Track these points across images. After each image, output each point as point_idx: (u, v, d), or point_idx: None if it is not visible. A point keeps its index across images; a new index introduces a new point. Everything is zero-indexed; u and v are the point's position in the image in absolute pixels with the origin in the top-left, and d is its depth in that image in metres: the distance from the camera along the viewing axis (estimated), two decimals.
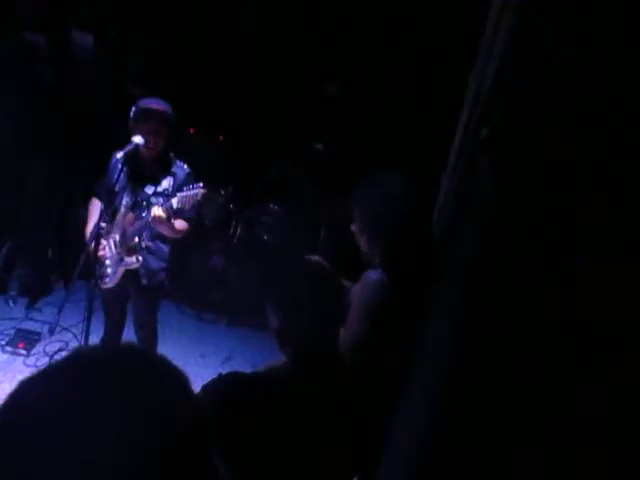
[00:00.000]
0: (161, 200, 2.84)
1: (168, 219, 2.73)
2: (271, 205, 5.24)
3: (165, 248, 3.11)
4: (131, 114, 2.86)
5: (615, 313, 1.12)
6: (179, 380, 0.72)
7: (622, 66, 1.17)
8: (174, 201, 2.69)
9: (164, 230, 2.87)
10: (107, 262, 3.00)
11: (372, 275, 1.93)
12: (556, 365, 1.19)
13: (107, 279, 3.01)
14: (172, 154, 3.04)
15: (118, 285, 3.02)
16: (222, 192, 5.20)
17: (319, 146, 5.45)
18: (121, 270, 2.97)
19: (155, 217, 2.70)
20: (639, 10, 1.12)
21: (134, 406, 0.65)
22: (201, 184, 2.72)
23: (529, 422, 1.20)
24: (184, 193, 2.69)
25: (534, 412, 1.20)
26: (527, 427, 1.20)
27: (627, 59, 1.16)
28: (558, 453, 1.15)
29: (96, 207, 3.02)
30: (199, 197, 2.70)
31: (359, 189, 2.03)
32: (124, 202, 2.97)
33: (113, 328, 3.27)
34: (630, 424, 1.05)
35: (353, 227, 2.05)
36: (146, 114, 2.83)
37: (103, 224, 2.90)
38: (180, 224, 2.93)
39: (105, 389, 0.65)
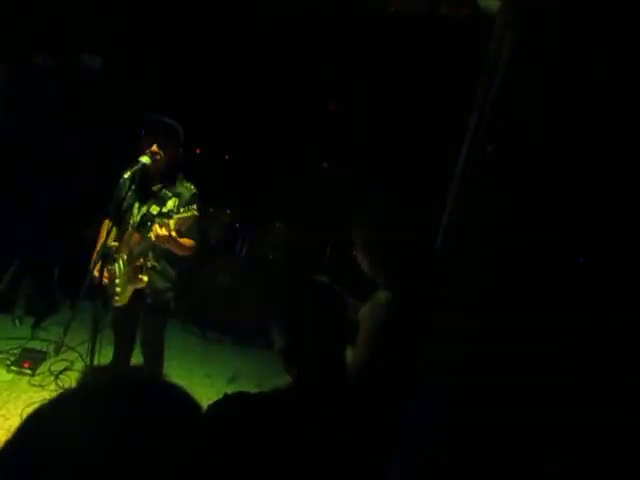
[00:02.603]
0: (165, 221, 2.84)
1: (171, 235, 2.70)
2: (277, 224, 5.25)
3: (171, 268, 3.11)
4: (142, 131, 2.90)
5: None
6: (186, 410, 0.73)
7: (623, 83, 1.18)
8: (171, 222, 2.68)
9: (171, 247, 2.84)
10: (116, 281, 3.01)
11: (380, 296, 1.91)
12: (561, 380, 1.18)
13: (116, 298, 3.01)
14: (180, 175, 3.06)
15: (129, 305, 3.02)
16: (228, 211, 5.22)
17: (325, 165, 5.48)
18: (129, 289, 2.97)
19: (158, 236, 2.69)
20: (636, 28, 1.13)
21: (141, 433, 0.65)
22: (195, 206, 2.69)
23: (533, 432, 1.19)
24: (179, 215, 2.68)
25: (539, 424, 1.19)
26: (530, 438, 1.19)
27: (627, 76, 1.17)
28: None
29: (105, 227, 3.04)
30: (192, 220, 2.69)
31: (357, 213, 2.01)
32: (131, 222, 2.98)
33: (123, 348, 3.26)
34: None
35: (355, 252, 2.03)
36: (151, 126, 2.88)
37: (112, 243, 2.92)
38: (187, 240, 2.93)
39: (114, 418, 0.65)
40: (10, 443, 0.64)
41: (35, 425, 0.65)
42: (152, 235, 2.68)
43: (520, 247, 1.27)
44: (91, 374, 2.92)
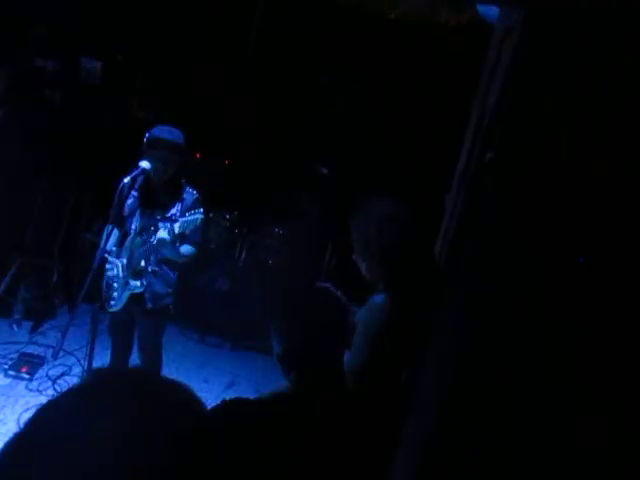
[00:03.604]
0: (168, 225, 2.86)
1: (173, 243, 2.76)
2: (276, 229, 5.25)
3: (171, 273, 3.11)
4: (144, 141, 2.90)
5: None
6: (188, 403, 0.73)
7: (626, 89, 1.18)
8: (176, 226, 2.73)
9: (169, 254, 2.89)
10: (114, 285, 3.01)
11: (377, 299, 1.92)
12: (556, 378, 1.18)
13: (113, 302, 3.01)
14: (183, 180, 3.07)
15: (124, 309, 3.02)
16: (227, 216, 5.22)
17: (324, 170, 5.48)
18: (127, 294, 2.97)
19: (160, 240, 2.74)
20: (635, 43, 1.14)
21: (144, 429, 0.65)
22: (201, 210, 2.75)
23: (530, 432, 1.19)
24: (185, 218, 2.73)
25: (535, 425, 1.19)
26: (527, 437, 1.19)
27: (630, 81, 1.18)
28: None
29: (107, 231, 3.05)
30: (198, 222, 2.74)
31: (356, 216, 2.02)
32: (133, 226, 2.99)
33: (119, 353, 3.26)
34: None
35: (354, 256, 2.04)
36: (156, 143, 2.87)
37: (113, 247, 2.93)
38: (186, 249, 2.95)
39: (119, 414, 0.66)
40: (11, 446, 0.64)
41: (36, 427, 0.65)
42: (158, 237, 2.73)
43: (520, 249, 1.27)
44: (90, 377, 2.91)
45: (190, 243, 2.97)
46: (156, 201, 3.00)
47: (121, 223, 2.99)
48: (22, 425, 0.66)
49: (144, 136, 2.91)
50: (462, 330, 1.34)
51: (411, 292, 1.88)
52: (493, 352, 1.25)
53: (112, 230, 2.95)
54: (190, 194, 3.04)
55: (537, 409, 1.19)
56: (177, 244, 2.82)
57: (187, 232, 2.77)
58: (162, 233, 2.74)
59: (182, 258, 2.97)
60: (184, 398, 0.73)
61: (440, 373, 1.43)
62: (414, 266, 1.92)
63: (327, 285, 1.66)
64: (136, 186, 2.94)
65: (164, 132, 2.90)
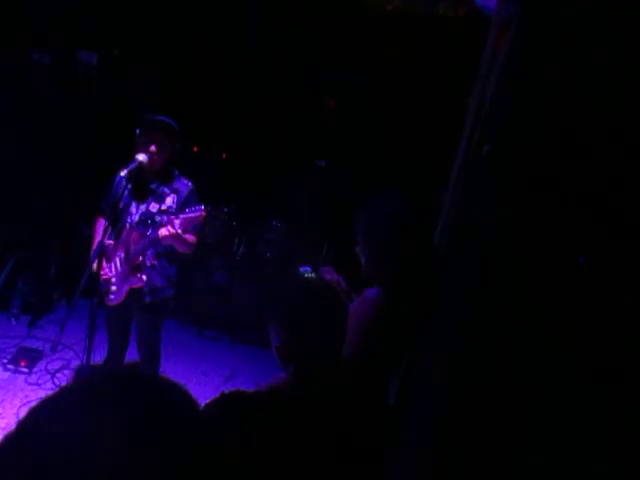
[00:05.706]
0: (165, 218, 2.85)
1: (177, 233, 2.72)
2: (274, 222, 5.25)
3: (169, 267, 3.11)
4: (136, 131, 2.89)
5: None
6: (184, 403, 0.73)
7: (623, 84, 1.18)
8: (177, 223, 2.70)
9: (176, 243, 2.85)
10: (112, 280, 3.00)
11: (370, 292, 1.94)
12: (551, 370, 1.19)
13: (112, 296, 3.01)
14: (176, 171, 3.06)
15: (122, 303, 3.02)
16: (225, 209, 5.22)
17: (322, 163, 5.48)
18: (126, 288, 2.97)
19: (165, 236, 2.72)
20: (637, 29, 1.14)
21: (139, 430, 0.66)
22: (202, 206, 2.73)
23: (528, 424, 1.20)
24: (186, 215, 2.70)
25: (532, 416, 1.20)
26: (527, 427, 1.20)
27: (628, 77, 1.18)
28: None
29: (101, 225, 3.04)
30: (200, 220, 2.73)
31: (359, 209, 2.03)
32: (129, 220, 2.98)
33: (116, 347, 3.26)
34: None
35: (356, 249, 2.05)
36: (149, 125, 2.87)
37: (108, 241, 2.91)
38: (190, 237, 2.93)
39: (113, 415, 0.66)
40: (8, 441, 0.64)
41: (33, 422, 0.66)
42: (161, 234, 2.71)
43: (519, 247, 1.27)
44: (88, 372, 2.92)
45: (192, 233, 2.96)
46: (150, 193, 2.98)
47: (117, 217, 2.98)
48: (18, 423, 0.66)
49: (134, 128, 2.91)
50: (459, 328, 1.35)
51: (406, 289, 1.89)
52: (490, 350, 1.25)
53: (109, 224, 2.94)
54: (185, 185, 3.02)
55: (536, 408, 1.20)
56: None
57: (189, 229, 2.77)
58: (164, 231, 2.73)
59: (187, 246, 2.94)
60: (179, 398, 0.73)
61: (435, 372, 1.44)
62: (412, 264, 1.93)
63: (328, 269, 1.66)
64: (131, 179, 2.93)
65: (156, 117, 2.91)
